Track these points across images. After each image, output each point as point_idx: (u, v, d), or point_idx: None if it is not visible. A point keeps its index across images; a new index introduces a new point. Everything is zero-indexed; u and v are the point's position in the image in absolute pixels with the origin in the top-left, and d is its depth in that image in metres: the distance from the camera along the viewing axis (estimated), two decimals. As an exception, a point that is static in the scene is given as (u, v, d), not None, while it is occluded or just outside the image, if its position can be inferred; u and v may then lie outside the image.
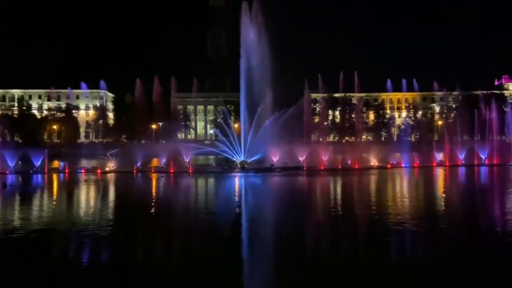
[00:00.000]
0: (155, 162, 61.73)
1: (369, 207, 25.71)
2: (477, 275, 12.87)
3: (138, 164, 59.97)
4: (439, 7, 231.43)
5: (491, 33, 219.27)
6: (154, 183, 44.61)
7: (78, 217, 22.97)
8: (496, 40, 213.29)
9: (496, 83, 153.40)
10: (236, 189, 38.74)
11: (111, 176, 50.96)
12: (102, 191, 36.63)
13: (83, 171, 56.41)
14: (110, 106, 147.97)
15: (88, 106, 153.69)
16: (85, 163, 66.12)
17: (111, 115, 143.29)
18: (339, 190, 38.27)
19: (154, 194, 35.74)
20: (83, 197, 33.53)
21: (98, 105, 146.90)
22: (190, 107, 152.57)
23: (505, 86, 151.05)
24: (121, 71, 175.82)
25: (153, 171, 56.68)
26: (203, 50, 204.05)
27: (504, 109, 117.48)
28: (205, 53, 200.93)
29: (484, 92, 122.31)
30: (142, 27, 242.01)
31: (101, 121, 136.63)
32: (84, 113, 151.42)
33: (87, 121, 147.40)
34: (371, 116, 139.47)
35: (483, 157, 70.94)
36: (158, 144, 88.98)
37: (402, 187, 40.13)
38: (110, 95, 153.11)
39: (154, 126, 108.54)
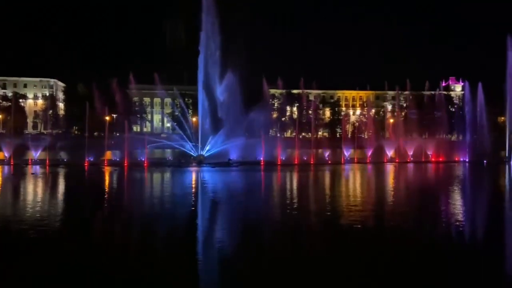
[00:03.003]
0: (108, 155, 59.96)
1: (316, 201, 26.54)
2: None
3: (90, 157, 58.00)
4: (394, 9, 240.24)
5: (440, 36, 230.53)
6: (106, 177, 43.26)
7: (14, 214, 21.60)
8: (444, 42, 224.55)
9: (443, 84, 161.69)
10: (192, 183, 38.37)
11: (60, 169, 48.91)
12: (47, 186, 34.94)
13: (29, 163, 53.79)
14: (60, 96, 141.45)
15: (36, 95, 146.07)
16: (32, 155, 62.94)
17: (61, 105, 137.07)
18: (291, 184, 38.99)
19: (102, 189, 34.10)
20: (24, 192, 31.77)
21: (47, 94, 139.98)
22: (147, 99, 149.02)
23: (452, 87, 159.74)
24: (73, 59, 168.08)
25: (106, 164, 55.07)
26: (161, 42, 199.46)
27: (450, 109, 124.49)
28: (162, 45, 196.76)
29: (433, 92, 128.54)
30: (96, 14, 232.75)
31: (50, 112, 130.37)
32: (32, 103, 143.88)
33: (35, 111, 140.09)
34: (327, 113, 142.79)
35: (430, 154, 74.82)
36: (112, 137, 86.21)
37: (354, 182, 41.48)
38: (61, 84, 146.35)
39: (108, 118, 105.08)
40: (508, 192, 35.00)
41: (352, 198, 28.07)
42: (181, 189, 33.92)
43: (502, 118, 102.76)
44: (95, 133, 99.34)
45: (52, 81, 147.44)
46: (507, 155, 77.09)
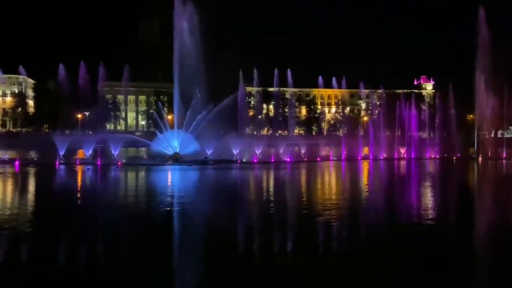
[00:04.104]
0: (80, 153, 58.65)
1: (288, 197, 26.79)
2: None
3: (61, 155, 56.55)
4: (368, 8, 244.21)
5: (411, 34, 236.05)
6: (78, 176, 42.22)
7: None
8: (416, 41, 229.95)
9: (415, 82, 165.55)
10: (167, 181, 37.96)
11: (30, 169, 47.47)
12: (16, 186, 33.80)
13: (-2, 162, 52.06)
14: (30, 93, 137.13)
15: (5, 92, 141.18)
16: (0, 153, 60.79)
17: (31, 102, 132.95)
18: (266, 182, 39.13)
19: (71, 189, 32.63)
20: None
21: (16, 91, 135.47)
22: (120, 97, 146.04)
23: (423, 86, 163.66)
24: (43, 55, 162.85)
25: (78, 163, 53.82)
26: (135, 37, 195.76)
27: (422, 107, 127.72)
28: (137, 41, 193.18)
29: (405, 91, 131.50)
30: (67, 8, 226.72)
31: (20, 109, 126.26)
32: (1, 100, 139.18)
33: (3, 109, 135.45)
34: (303, 111, 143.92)
35: (402, 151, 76.71)
36: (85, 135, 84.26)
37: (329, 179, 42.02)
38: (31, 81, 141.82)
39: (79, 116, 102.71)
40: (471, 186, 36.46)
41: (327, 195, 28.42)
42: (151, 189, 33.35)
43: (471, 116, 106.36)
44: (67, 131, 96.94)
45: (21, 77, 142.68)
46: (475, 151, 79.88)
